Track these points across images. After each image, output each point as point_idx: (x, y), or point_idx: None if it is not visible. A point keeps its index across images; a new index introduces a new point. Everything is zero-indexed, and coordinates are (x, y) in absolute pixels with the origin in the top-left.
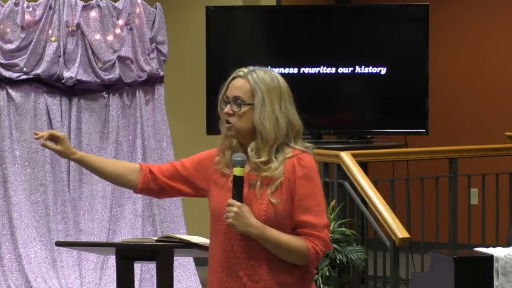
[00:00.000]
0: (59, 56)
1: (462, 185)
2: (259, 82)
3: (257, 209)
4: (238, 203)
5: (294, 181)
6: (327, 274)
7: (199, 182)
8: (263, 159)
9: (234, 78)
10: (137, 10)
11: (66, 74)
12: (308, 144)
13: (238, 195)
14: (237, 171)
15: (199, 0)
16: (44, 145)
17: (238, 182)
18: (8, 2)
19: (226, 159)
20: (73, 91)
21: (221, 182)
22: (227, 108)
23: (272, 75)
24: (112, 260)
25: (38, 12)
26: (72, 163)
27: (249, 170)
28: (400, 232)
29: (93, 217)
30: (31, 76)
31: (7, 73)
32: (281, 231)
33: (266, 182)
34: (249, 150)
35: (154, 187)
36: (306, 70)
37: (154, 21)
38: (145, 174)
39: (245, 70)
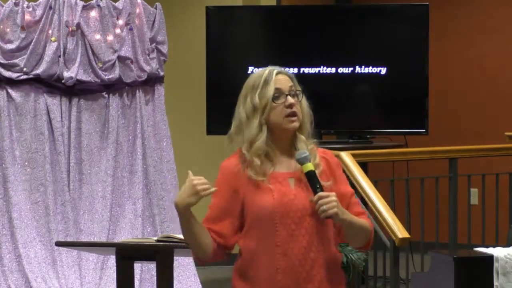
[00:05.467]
0: (59, 56)
1: (462, 185)
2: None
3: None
4: (332, 193)
5: (330, 170)
6: None
7: (238, 206)
8: (310, 147)
9: (276, 74)
10: (137, 10)
11: (66, 74)
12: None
13: (321, 187)
14: (310, 166)
15: (199, 0)
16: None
17: (314, 175)
18: (8, 2)
19: (257, 167)
20: (73, 91)
21: (260, 185)
22: (291, 99)
23: None
24: (112, 260)
25: (38, 12)
26: (72, 163)
27: (288, 168)
28: (400, 232)
29: (93, 217)
30: (31, 76)
31: (7, 73)
32: None
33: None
34: (302, 143)
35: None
36: (306, 70)
37: (154, 21)
38: (217, 243)
39: (274, 68)
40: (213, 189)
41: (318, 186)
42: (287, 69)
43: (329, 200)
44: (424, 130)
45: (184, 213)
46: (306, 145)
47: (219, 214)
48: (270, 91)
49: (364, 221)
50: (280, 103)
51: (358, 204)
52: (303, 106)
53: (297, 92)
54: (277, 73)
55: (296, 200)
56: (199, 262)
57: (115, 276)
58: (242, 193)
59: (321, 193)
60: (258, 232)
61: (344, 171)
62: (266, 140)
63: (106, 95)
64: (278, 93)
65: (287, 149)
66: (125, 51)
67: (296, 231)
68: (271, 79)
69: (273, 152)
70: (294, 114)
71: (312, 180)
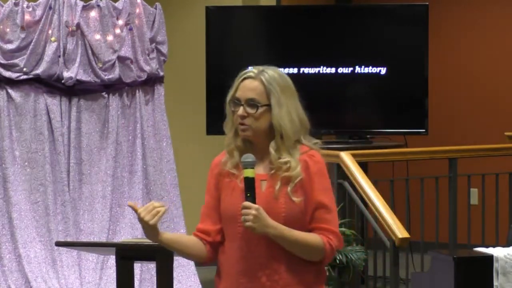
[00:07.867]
0: (59, 56)
1: (462, 185)
2: (272, 82)
3: (276, 208)
4: (255, 205)
5: (309, 177)
6: (327, 274)
7: (218, 202)
8: (285, 159)
9: (244, 79)
10: (137, 10)
11: (66, 74)
12: (316, 140)
13: (252, 197)
14: (249, 172)
15: (199, 0)
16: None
17: (251, 183)
18: (8, 2)
19: (234, 160)
20: (73, 91)
21: (231, 184)
22: (241, 111)
23: (282, 74)
24: (112, 260)
25: (38, 12)
26: (71, 163)
27: (264, 170)
28: (400, 232)
29: (93, 217)
30: (31, 76)
31: (7, 73)
32: (301, 228)
33: (285, 181)
34: (270, 149)
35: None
36: (306, 70)
37: (154, 21)
38: (208, 242)
39: (255, 70)
40: (163, 209)
41: (248, 195)
42: (283, 69)
43: (247, 212)
44: (424, 130)
45: (159, 241)
46: (278, 154)
47: (207, 211)
48: (229, 96)
49: (313, 237)
50: (235, 110)
51: (324, 219)
52: (275, 116)
53: (258, 104)
54: (246, 79)
55: (266, 204)
56: (201, 264)
57: (115, 276)
58: (219, 189)
59: (244, 203)
60: (225, 232)
61: (343, 171)
62: (234, 137)
63: (106, 95)
64: (236, 100)
65: (267, 151)
66: (125, 51)
67: (258, 235)
68: (237, 84)
69: (252, 152)
70: (242, 124)
71: (246, 187)
